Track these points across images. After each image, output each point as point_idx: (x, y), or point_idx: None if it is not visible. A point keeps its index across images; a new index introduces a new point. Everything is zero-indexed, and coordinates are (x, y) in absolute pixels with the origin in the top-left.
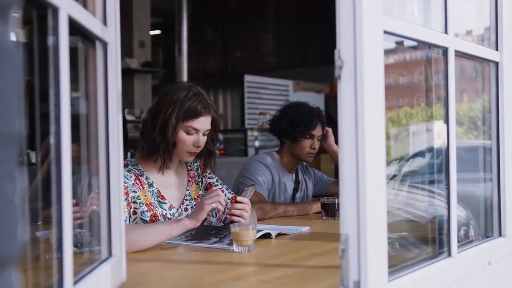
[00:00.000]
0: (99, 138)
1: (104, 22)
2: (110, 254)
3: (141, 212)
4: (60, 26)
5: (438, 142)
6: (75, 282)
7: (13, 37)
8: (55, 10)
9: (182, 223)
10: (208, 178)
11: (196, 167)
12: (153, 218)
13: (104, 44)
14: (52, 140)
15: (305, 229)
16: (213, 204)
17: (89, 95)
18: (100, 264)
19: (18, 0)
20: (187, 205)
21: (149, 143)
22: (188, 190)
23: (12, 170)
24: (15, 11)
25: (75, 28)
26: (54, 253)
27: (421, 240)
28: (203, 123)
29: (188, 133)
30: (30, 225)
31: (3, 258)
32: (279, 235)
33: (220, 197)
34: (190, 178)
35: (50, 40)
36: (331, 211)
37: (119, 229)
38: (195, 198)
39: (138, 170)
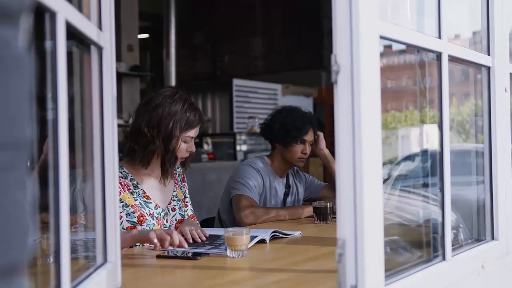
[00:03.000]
0: (94, 143)
1: (100, 26)
2: (105, 260)
3: (127, 214)
4: (57, 31)
5: (428, 146)
6: None
7: (23, 43)
8: (53, 15)
9: (132, 237)
10: (186, 188)
11: (178, 173)
12: (141, 218)
13: (99, 49)
14: (50, 144)
15: (297, 233)
16: (155, 241)
17: (84, 100)
18: (95, 270)
19: (28, 6)
20: (174, 205)
21: (150, 153)
22: (175, 191)
23: (23, 176)
24: (25, 17)
25: (71, 33)
26: (47, 258)
27: (414, 244)
28: (197, 130)
29: (185, 142)
30: None
31: (15, 264)
32: (273, 238)
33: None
34: (176, 181)
35: (47, 44)
36: (323, 215)
37: (114, 235)
38: (181, 200)
39: (121, 173)
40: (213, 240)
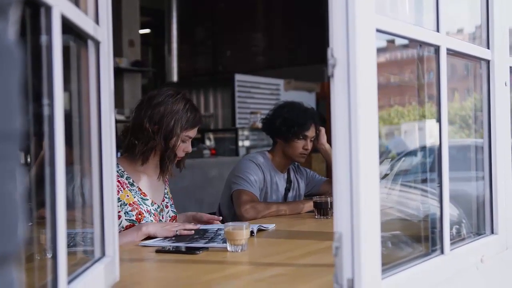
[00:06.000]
0: (92, 138)
1: (97, 21)
2: (103, 253)
3: (125, 212)
4: (53, 25)
5: (430, 141)
6: (69, 282)
7: (12, 35)
8: (48, 9)
9: (142, 231)
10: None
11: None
12: (139, 216)
13: (97, 43)
14: (46, 140)
15: (271, 226)
16: (177, 232)
17: (81, 95)
18: (93, 263)
19: None
20: (166, 203)
21: (150, 150)
22: (166, 189)
23: (13, 167)
24: (14, 9)
25: (67, 27)
26: (45, 253)
27: (414, 238)
28: (196, 131)
29: (183, 141)
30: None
31: (4, 255)
32: (259, 231)
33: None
34: (166, 180)
35: (43, 38)
36: (323, 210)
37: (112, 229)
38: (171, 198)
39: (117, 171)
40: (202, 234)
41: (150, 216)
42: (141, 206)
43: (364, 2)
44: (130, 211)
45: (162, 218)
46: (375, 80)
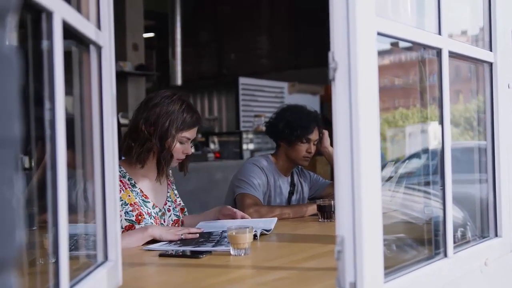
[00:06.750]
0: (94, 143)
1: (98, 26)
2: (106, 258)
3: (125, 212)
4: (54, 30)
5: (434, 143)
6: (71, 286)
7: (10, 41)
8: (49, 14)
9: (147, 233)
10: (175, 190)
11: (170, 175)
12: (139, 217)
13: (98, 48)
14: (47, 144)
15: (274, 220)
16: (182, 236)
17: (83, 99)
18: (96, 268)
19: (15, 5)
20: (169, 206)
21: (146, 151)
22: (168, 192)
23: (11, 174)
24: (12, 15)
25: (69, 32)
26: (49, 257)
27: (417, 241)
28: (195, 132)
29: (181, 142)
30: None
31: (2, 261)
32: (262, 234)
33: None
34: (169, 183)
35: (44, 44)
36: (327, 213)
37: (114, 233)
38: (174, 201)
39: (120, 172)
40: (207, 237)
41: (151, 218)
42: (142, 207)
43: (364, 5)
44: (130, 211)
45: (164, 221)
46: (376, 83)
